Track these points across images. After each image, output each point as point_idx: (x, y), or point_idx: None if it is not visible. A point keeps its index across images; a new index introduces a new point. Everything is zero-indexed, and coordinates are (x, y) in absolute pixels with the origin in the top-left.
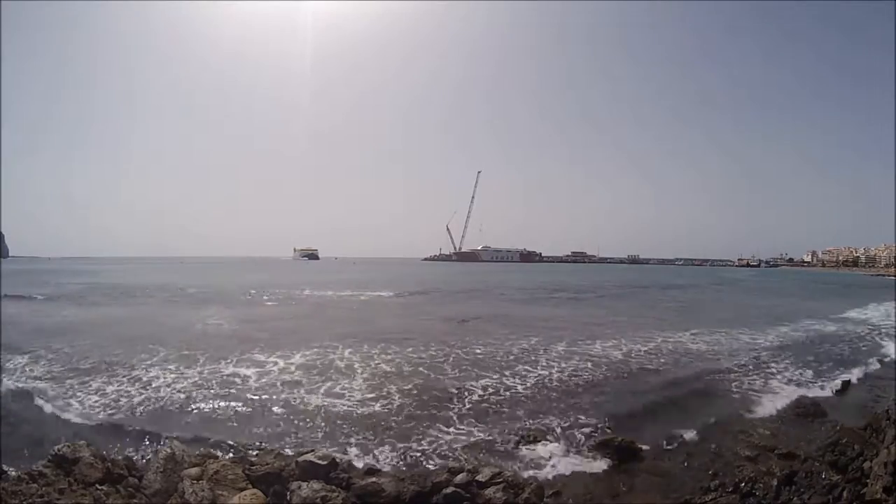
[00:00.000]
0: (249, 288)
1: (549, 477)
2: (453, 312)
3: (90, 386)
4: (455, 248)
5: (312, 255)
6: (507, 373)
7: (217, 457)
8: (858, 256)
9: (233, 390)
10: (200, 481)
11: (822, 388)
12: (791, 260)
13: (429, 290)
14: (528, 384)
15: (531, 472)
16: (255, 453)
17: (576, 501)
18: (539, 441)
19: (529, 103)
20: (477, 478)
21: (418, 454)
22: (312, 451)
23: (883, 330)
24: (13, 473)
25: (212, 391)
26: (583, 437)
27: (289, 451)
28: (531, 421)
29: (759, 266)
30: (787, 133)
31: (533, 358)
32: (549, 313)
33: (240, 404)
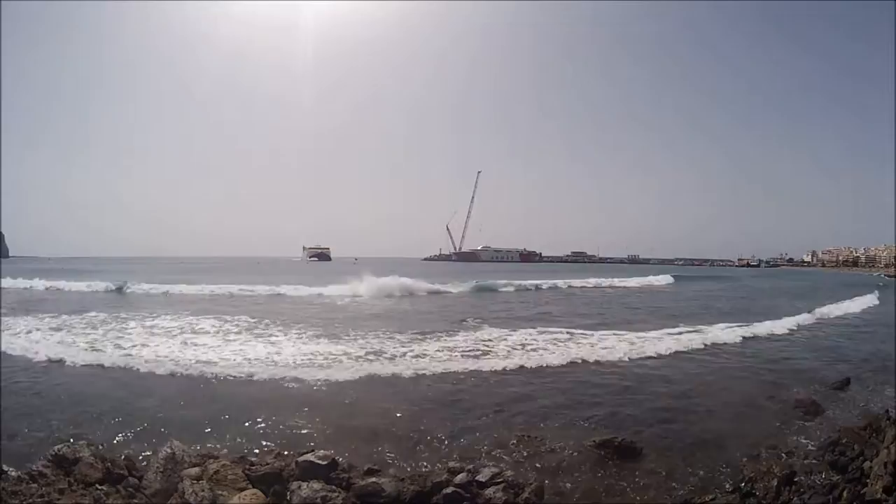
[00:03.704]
0: None
1: (550, 477)
2: None
3: None
4: (455, 248)
5: (323, 255)
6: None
7: (217, 457)
8: (858, 256)
9: None
10: (200, 481)
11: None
12: (791, 260)
13: None
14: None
15: (531, 472)
16: (255, 453)
17: (576, 501)
18: (539, 441)
19: (530, 103)
20: (477, 478)
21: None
22: (312, 451)
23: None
24: (13, 473)
25: None
26: (583, 437)
27: (289, 452)
28: (532, 421)
29: (759, 266)
30: (788, 133)
31: None
32: None
33: None
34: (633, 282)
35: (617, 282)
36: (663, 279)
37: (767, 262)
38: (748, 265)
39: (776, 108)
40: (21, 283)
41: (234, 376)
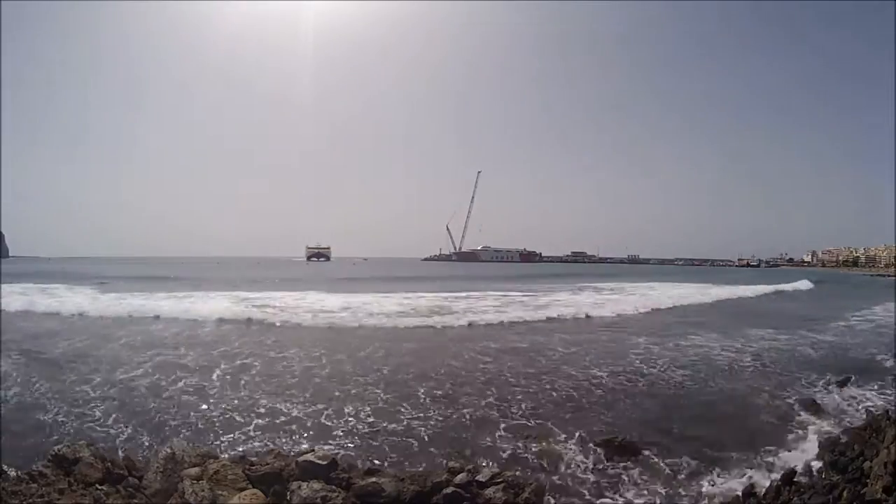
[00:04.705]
0: None
1: (550, 477)
2: None
3: None
4: (455, 248)
5: (322, 255)
6: None
7: (217, 457)
8: (858, 256)
9: None
10: (200, 481)
11: (822, 386)
12: (791, 260)
13: None
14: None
15: (531, 472)
16: (255, 453)
17: (576, 501)
18: (542, 441)
19: (530, 103)
20: (477, 478)
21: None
22: (312, 451)
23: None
24: (13, 473)
25: None
26: (584, 437)
27: (289, 452)
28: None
29: (758, 266)
30: (788, 133)
31: None
32: None
33: None
34: (774, 288)
35: (771, 289)
36: (804, 284)
37: (767, 262)
38: (748, 265)
39: (776, 108)
40: None
41: None
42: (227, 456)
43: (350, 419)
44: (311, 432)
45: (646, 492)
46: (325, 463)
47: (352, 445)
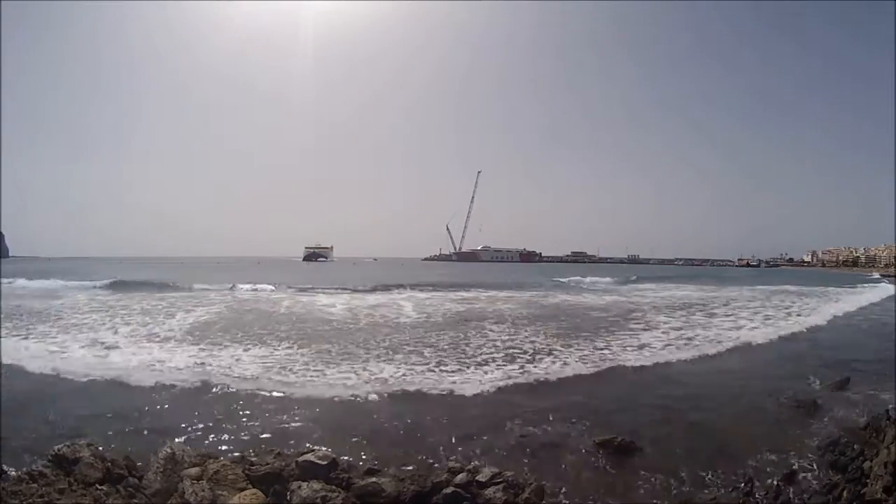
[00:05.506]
0: None
1: (550, 477)
2: None
3: None
4: (455, 248)
5: (321, 255)
6: None
7: (217, 457)
8: (858, 256)
9: None
10: (200, 481)
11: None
12: (791, 260)
13: None
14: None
15: (531, 472)
16: (254, 453)
17: (576, 501)
18: (539, 440)
19: (530, 103)
20: (477, 478)
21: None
22: (312, 451)
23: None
24: (13, 473)
25: None
26: (583, 437)
27: (289, 452)
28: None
29: (758, 266)
30: (788, 133)
31: None
32: None
33: None
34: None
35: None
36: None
37: (767, 263)
38: (748, 265)
39: (776, 108)
40: None
41: None
42: (226, 456)
43: None
44: None
45: (645, 492)
46: (325, 463)
47: None
